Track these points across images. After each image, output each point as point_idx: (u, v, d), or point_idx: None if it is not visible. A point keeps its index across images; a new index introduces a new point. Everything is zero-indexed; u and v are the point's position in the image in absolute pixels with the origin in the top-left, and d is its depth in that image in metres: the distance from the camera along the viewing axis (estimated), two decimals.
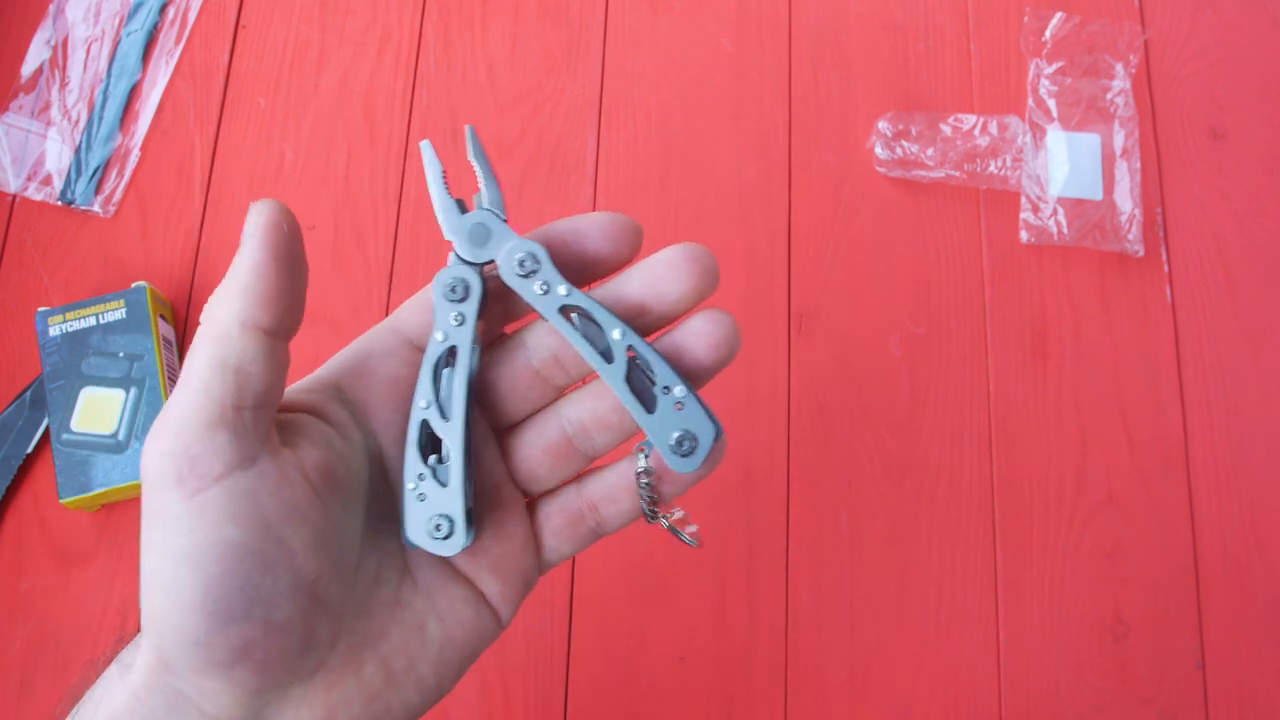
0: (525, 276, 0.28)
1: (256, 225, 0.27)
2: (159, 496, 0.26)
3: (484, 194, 0.29)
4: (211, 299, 0.28)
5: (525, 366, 0.30)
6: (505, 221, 0.29)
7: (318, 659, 0.27)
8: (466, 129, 0.30)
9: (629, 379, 0.28)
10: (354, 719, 0.28)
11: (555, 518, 0.31)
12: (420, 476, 0.28)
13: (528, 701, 0.55)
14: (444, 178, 0.29)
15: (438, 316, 0.29)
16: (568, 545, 0.32)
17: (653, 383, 0.28)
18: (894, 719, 0.56)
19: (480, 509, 0.30)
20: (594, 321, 0.28)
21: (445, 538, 0.28)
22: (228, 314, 0.27)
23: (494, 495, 0.31)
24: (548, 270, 0.28)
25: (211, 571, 0.25)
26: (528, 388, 0.31)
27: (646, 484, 0.30)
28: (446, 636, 0.29)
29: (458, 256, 0.29)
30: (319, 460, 0.27)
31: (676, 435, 0.28)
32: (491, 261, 0.29)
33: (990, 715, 0.56)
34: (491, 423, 0.31)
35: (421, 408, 0.28)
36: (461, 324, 0.28)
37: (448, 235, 0.29)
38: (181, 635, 0.25)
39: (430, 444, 0.29)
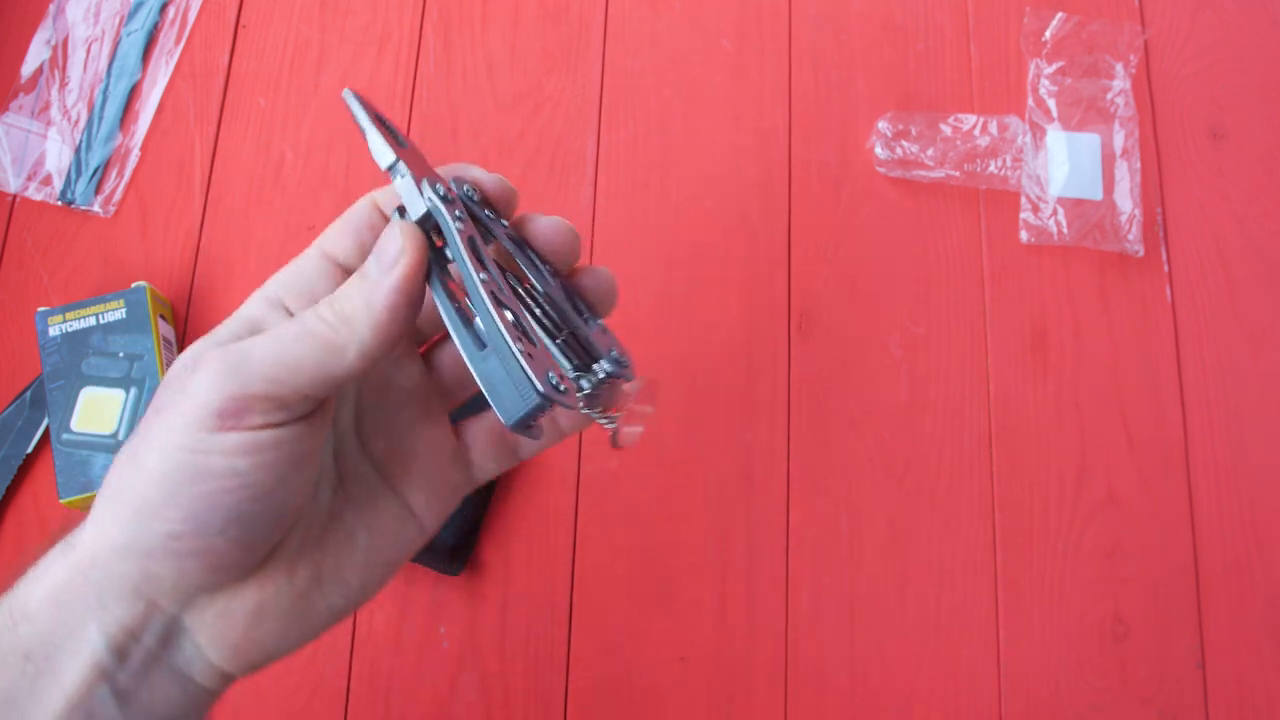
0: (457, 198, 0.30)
1: (409, 259, 0.28)
2: (188, 403, 0.27)
3: (398, 137, 0.30)
4: (356, 277, 0.28)
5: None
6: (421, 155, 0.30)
7: (259, 563, 0.29)
8: (346, 94, 0.30)
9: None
10: (281, 614, 0.29)
11: (480, 435, 0.33)
12: (517, 339, 0.27)
13: (528, 701, 0.55)
14: (376, 122, 0.29)
15: (442, 220, 0.29)
16: (493, 463, 0.33)
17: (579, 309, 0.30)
18: (894, 719, 0.56)
19: (409, 419, 0.31)
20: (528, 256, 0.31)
21: (564, 391, 0.28)
22: (362, 322, 0.27)
23: (422, 406, 0.32)
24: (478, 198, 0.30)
25: (208, 489, 0.26)
26: None
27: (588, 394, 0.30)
28: (373, 544, 0.31)
29: (412, 178, 0.29)
30: None
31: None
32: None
33: (990, 715, 0.56)
34: (415, 335, 0.32)
35: (484, 280, 0.28)
36: (464, 218, 0.29)
37: (400, 161, 0.29)
38: (156, 524, 0.27)
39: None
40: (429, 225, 0.29)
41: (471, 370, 0.28)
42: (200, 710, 0.30)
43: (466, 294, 0.28)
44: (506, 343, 0.27)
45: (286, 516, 0.29)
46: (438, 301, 0.29)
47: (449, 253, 0.29)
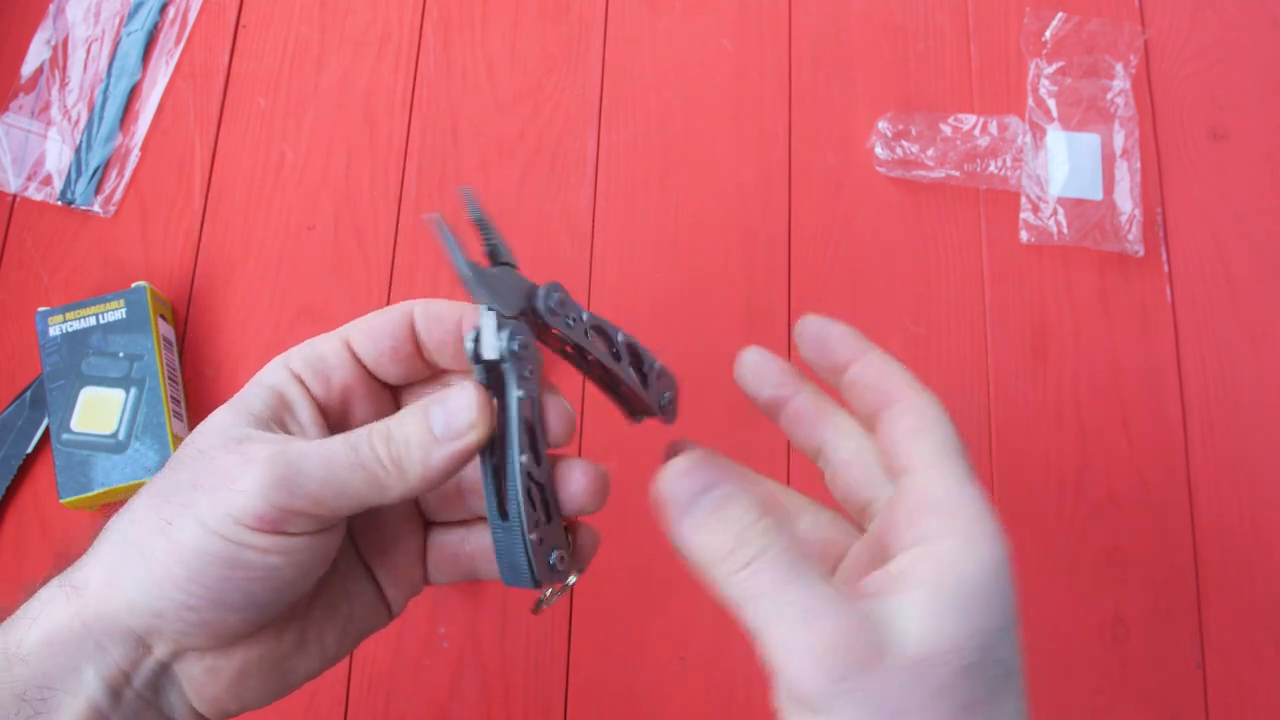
0: (555, 313, 0.30)
1: (476, 437, 0.29)
2: (233, 497, 0.27)
3: (496, 249, 0.30)
4: (417, 423, 0.29)
5: None
6: (517, 268, 0.31)
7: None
8: (463, 191, 0.30)
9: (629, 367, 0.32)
10: (263, 673, 0.31)
11: (438, 551, 0.35)
12: (536, 524, 0.30)
13: (528, 701, 0.55)
14: (461, 246, 0.29)
15: (509, 377, 0.29)
16: (444, 576, 0.35)
17: (642, 365, 0.33)
18: None
19: (396, 520, 0.34)
20: (606, 334, 0.32)
21: (559, 573, 0.30)
22: (414, 473, 0.29)
23: (404, 513, 0.34)
24: (570, 304, 0.31)
25: (236, 575, 0.28)
26: None
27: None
28: (352, 614, 0.33)
29: (498, 313, 0.29)
30: None
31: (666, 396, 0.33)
32: (526, 312, 0.30)
33: None
34: None
35: (523, 462, 0.29)
36: (532, 376, 0.30)
37: (488, 304, 0.29)
38: (176, 594, 0.28)
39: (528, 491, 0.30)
40: (493, 367, 0.30)
41: (491, 529, 0.30)
42: None
43: (505, 466, 0.29)
44: (523, 531, 0.29)
45: (296, 600, 0.30)
46: (480, 460, 0.30)
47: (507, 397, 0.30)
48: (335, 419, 0.31)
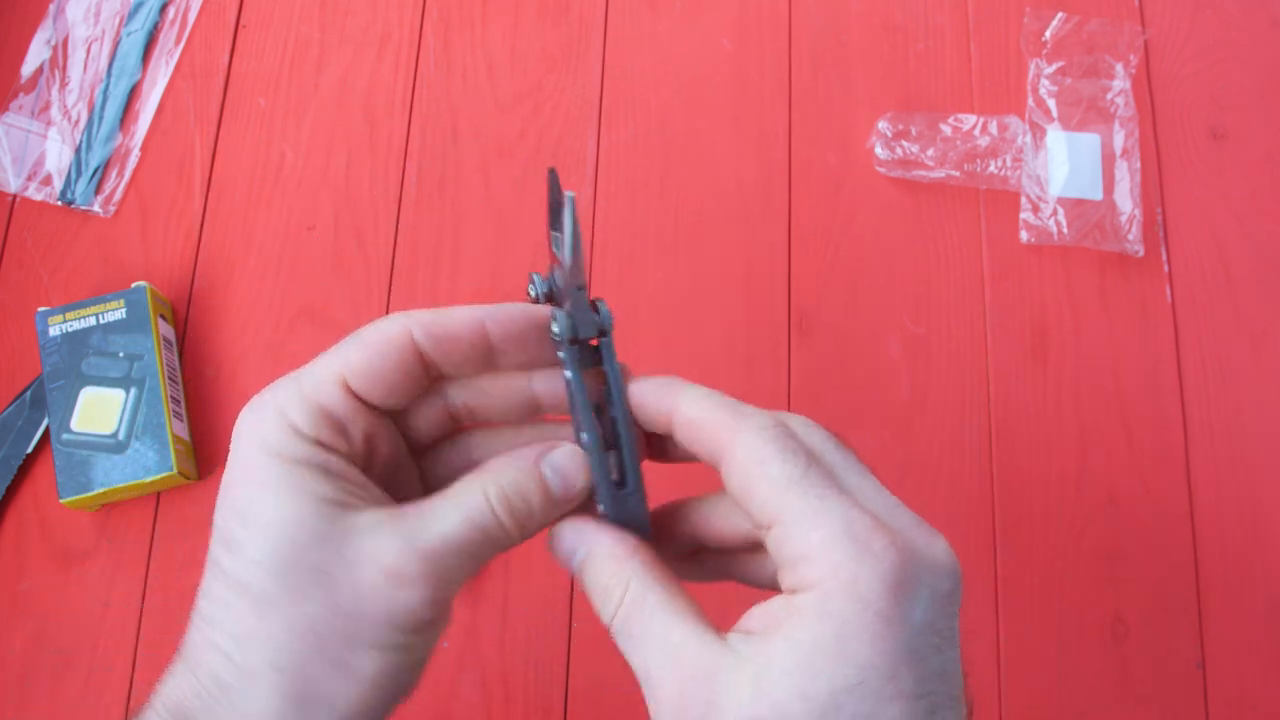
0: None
1: (583, 492, 0.30)
2: (382, 616, 0.28)
3: (566, 262, 0.30)
4: (536, 488, 0.29)
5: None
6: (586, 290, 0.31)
7: None
8: (568, 198, 0.29)
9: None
10: None
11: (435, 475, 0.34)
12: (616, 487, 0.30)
13: (528, 701, 0.55)
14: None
15: (608, 350, 0.30)
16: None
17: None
18: None
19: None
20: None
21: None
22: (533, 529, 0.29)
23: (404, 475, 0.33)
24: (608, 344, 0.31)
25: (403, 679, 0.29)
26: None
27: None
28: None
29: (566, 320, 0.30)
30: None
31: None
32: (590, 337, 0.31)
33: (990, 715, 0.56)
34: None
35: (587, 442, 0.30)
36: (580, 359, 0.30)
37: (582, 285, 0.30)
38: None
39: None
40: (585, 345, 0.30)
41: (600, 499, 0.30)
42: None
43: (621, 438, 0.30)
44: (644, 494, 0.30)
45: None
46: (588, 438, 0.30)
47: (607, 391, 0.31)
48: (363, 463, 0.30)
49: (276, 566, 0.27)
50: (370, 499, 0.29)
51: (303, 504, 0.27)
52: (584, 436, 0.30)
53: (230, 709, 0.27)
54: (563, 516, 0.30)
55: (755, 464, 0.27)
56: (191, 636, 0.28)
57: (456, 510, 0.28)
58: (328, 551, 0.27)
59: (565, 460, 0.30)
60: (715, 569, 0.32)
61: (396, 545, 0.27)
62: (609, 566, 0.29)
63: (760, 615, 0.27)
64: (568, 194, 0.29)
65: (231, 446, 0.29)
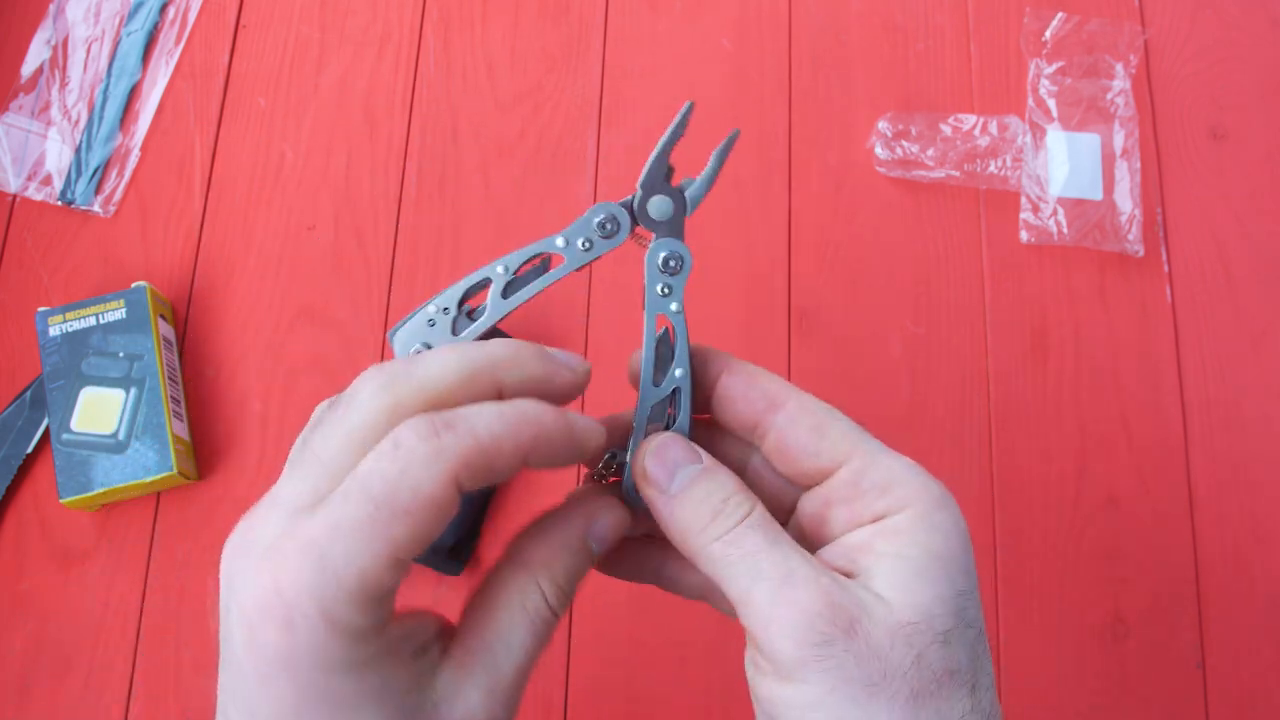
0: (664, 271, 0.31)
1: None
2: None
3: (698, 183, 0.33)
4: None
5: None
6: (685, 217, 0.32)
7: None
8: (732, 132, 0.32)
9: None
10: None
11: None
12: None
13: (528, 701, 0.55)
14: (671, 143, 0.32)
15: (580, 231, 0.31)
16: None
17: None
18: None
19: None
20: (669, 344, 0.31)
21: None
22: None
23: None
24: (679, 282, 0.31)
25: None
26: None
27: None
28: None
29: (635, 206, 0.32)
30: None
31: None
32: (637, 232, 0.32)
33: None
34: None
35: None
36: (590, 249, 0.31)
37: (642, 187, 0.32)
38: None
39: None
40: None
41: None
42: None
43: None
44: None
45: None
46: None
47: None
48: None
49: None
50: (421, 634, 0.27)
51: (389, 714, 0.25)
52: (678, 372, 0.30)
53: None
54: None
55: (824, 413, 0.29)
56: None
57: (521, 627, 0.27)
58: None
59: (610, 531, 0.29)
60: (639, 568, 0.32)
61: (480, 698, 0.26)
62: (732, 483, 0.28)
63: (844, 550, 0.28)
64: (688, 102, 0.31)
65: (263, 670, 0.24)
